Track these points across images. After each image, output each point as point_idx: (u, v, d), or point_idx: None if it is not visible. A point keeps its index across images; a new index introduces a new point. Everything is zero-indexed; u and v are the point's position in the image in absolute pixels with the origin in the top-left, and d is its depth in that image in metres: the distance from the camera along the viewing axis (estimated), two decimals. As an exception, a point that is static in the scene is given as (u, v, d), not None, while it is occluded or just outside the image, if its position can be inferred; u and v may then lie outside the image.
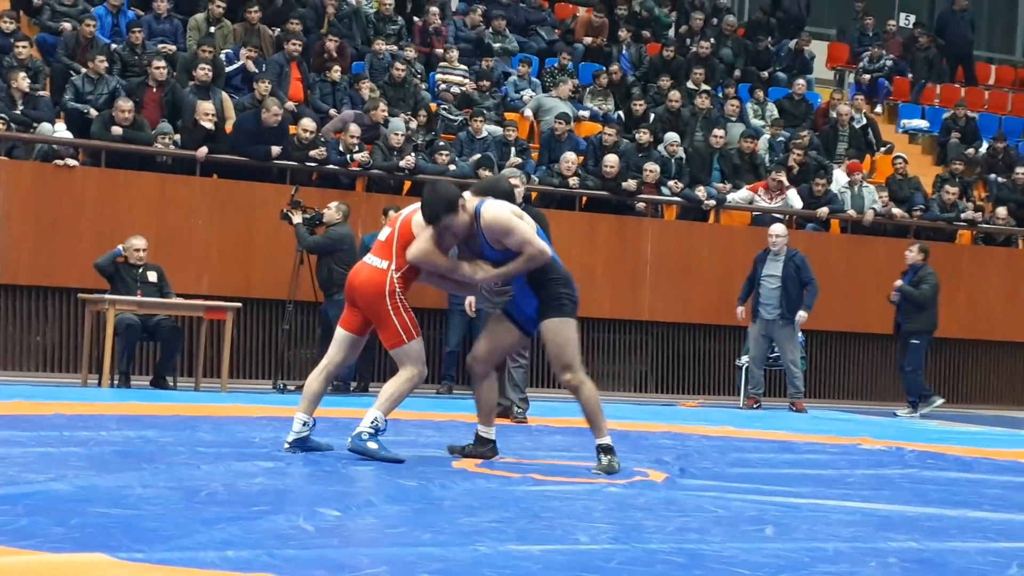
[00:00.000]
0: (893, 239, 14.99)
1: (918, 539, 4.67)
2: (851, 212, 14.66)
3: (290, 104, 13.53)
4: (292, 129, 12.62)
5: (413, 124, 13.61)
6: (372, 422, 6.14)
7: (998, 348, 15.33)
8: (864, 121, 16.99)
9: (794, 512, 5.22)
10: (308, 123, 12.58)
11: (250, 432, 7.35)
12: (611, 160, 13.54)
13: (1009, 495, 6.25)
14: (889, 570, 4.07)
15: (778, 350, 12.28)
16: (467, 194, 6.26)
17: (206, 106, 12.29)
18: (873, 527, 4.93)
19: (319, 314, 11.62)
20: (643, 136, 14.42)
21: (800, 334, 12.55)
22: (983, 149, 17.61)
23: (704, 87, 16.24)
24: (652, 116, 15.52)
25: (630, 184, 13.58)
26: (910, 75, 19.58)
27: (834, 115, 16.78)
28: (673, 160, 14.45)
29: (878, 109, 18.89)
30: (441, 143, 13.45)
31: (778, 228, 12.40)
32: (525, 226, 6.16)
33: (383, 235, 6.35)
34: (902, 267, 14.40)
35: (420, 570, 3.68)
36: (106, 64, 12.66)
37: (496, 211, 6.14)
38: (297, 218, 11.22)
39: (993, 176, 16.78)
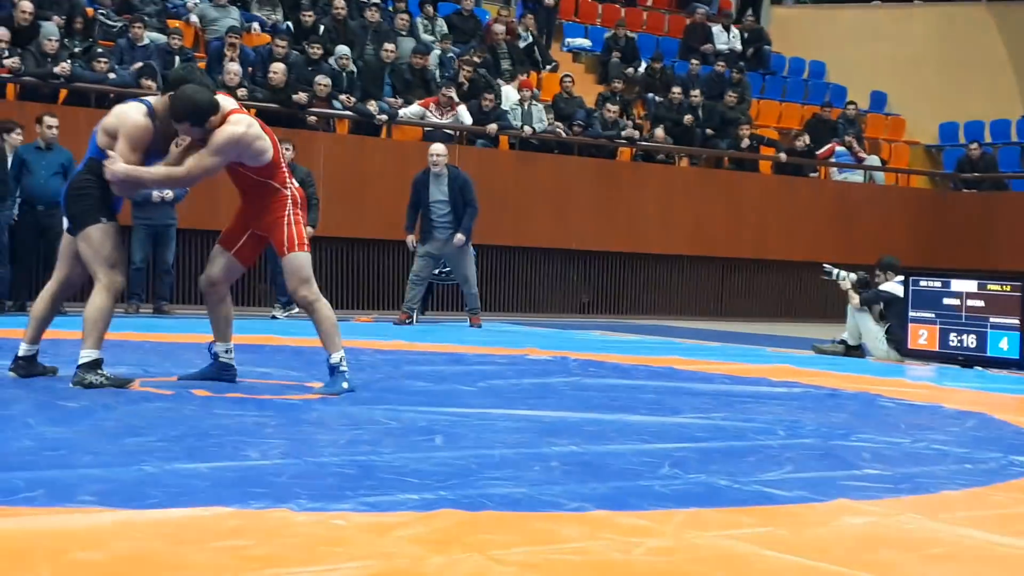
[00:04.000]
0: (559, 156, 15.44)
1: (579, 443, 4.88)
2: (527, 129, 14.93)
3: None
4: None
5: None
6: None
7: (655, 261, 16.04)
8: (530, 39, 17.31)
9: (463, 421, 5.35)
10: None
11: None
12: (277, 68, 13.25)
13: (663, 399, 6.60)
14: (551, 473, 4.23)
15: (453, 270, 12.35)
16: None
17: None
18: (537, 433, 5.12)
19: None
20: (314, 50, 14.18)
21: (472, 249, 12.71)
22: (642, 69, 18.29)
23: (374, 0, 16.12)
24: (322, 28, 15.29)
25: (300, 97, 13.38)
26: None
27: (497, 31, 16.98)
28: (344, 73, 14.32)
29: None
30: (100, 50, 12.81)
31: (439, 147, 12.16)
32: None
33: None
34: (568, 183, 14.85)
35: (81, 492, 3.56)
36: None
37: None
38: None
39: (651, 95, 17.48)
